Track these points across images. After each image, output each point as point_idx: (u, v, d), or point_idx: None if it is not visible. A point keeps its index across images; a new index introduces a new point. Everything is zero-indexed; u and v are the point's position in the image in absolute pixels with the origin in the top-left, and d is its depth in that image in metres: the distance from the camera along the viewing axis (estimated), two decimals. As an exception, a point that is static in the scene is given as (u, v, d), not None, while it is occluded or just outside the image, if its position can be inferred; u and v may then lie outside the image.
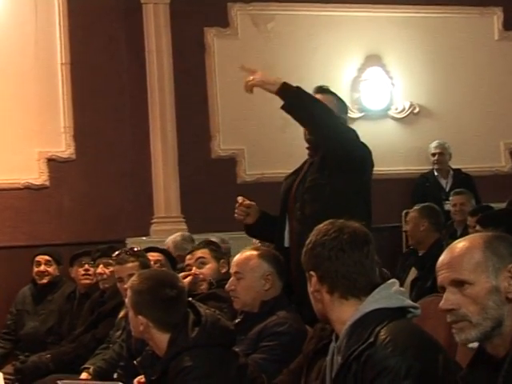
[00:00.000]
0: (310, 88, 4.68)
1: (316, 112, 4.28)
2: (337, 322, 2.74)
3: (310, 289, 2.79)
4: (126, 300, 3.73)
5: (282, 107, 4.40)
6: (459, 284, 2.35)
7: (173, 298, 3.53)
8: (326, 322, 2.84)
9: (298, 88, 4.32)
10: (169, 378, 3.37)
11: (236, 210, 4.66)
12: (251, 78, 4.37)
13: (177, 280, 3.71)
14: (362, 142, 4.44)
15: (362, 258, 2.75)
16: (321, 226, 2.83)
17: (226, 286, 4.13)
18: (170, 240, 6.98)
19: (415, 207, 6.65)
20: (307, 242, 2.82)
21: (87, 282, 6.63)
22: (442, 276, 2.40)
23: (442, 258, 2.42)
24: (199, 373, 3.30)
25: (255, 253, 4.11)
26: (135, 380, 4.02)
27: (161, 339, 3.47)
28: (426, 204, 6.68)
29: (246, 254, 4.12)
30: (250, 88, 4.42)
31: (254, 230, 4.71)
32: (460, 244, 2.41)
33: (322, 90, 4.65)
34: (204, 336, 3.40)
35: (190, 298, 3.75)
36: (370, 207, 4.45)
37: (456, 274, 2.36)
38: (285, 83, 4.32)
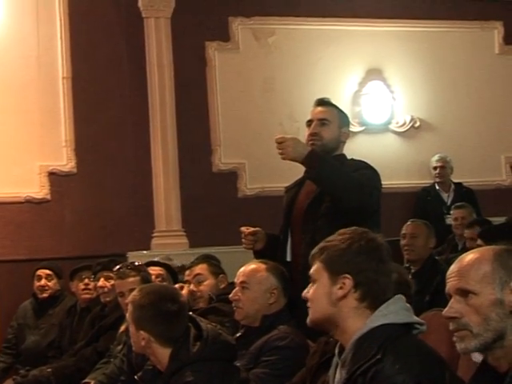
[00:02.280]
0: (311, 101, 4.70)
1: (338, 183, 4.24)
2: (346, 332, 2.70)
3: (339, 292, 2.71)
4: (127, 315, 3.71)
5: (307, 174, 4.39)
6: (464, 293, 2.36)
7: (174, 313, 3.52)
8: (322, 328, 2.81)
9: (323, 159, 4.29)
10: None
11: (243, 241, 4.58)
12: (281, 151, 4.33)
13: (178, 294, 3.70)
14: (378, 180, 4.42)
15: (391, 271, 2.76)
16: (352, 231, 2.80)
17: (230, 295, 4.08)
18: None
19: (418, 222, 6.45)
20: (343, 244, 2.76)
21: (88, 296, 6.61)
22: (449, 284, 2.42)
23: (452, 266, 2.44)
24: None
25: (263, 265, 4.08)
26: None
27: (162, 354, 3.46)
28: (425, 221, 6.51)
29: (254, 265, 4.09)
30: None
31: (264, 254, 4.55)
32: (471, 254, 2.43)
33: (324, 102, 4.64)
34: (205, 351, 3.39)
35: (191, 313, 3.75)
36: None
37: (462, 283, 2.37)
38: (310, 152, 4.27)
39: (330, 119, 4.53)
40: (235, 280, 4.14)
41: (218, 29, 8.74)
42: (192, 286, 5.08)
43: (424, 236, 6.22)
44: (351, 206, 4.20)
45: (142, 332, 3.51)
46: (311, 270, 2.81)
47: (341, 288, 2.72)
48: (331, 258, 2.76)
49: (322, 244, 2.82)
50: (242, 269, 4.13)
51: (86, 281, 6.63)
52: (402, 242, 6.26)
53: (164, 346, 3.47)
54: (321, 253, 2.79)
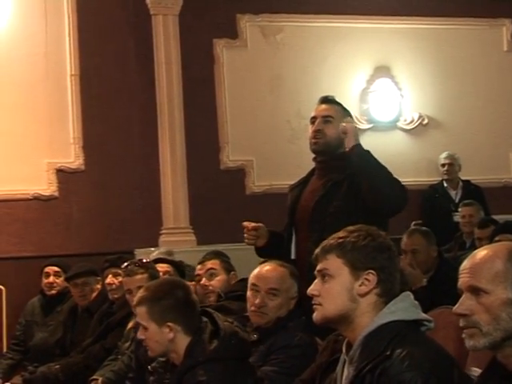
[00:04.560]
0: (317, 98, 4.70)
1: (380, 177, 4.26)
2: (358, 328, 2.69)
3: (363, 288, 2.71)
4: (142, 316, 3.56)
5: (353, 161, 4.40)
6: (475, 291, 2.34)
7: (189, 300, 3.51)
8: (331, 325, 2.80)
9: (369, 153, 4.36)
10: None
11: (245, 236, 4.55)
12: (344, 124, 4.39)
13: (183, 282, 3.72)
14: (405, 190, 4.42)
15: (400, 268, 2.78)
16: (365, 228, 2.80)
17: (257, 302, 3.94)
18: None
19: (415, 234, 5.98)
20: (363, 241, 2.75)
21: (85, 302, 6.53)
22: (461, 280, 2.40)
23: (465, 262, 2.42)
24: None
25: (286, 270, 4.00)
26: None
27: (185, 345, 3.42)
28: (423, 228, 6.16)
29: (279, 269, 3.99)
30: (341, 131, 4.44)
31: (266, 251, 4.55)
32: (484, 251, 2.41)
33: (327, 100, 4.63)
34: (221, 349, 3.35)
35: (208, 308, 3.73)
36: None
37: (473, 281, 2.35)
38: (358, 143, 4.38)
39: (334, 116, 4.52)
40: (254, 282, 3.99)
41: (226, 26, 8.74)
42: (204, 281, 5.05)
43: (424, 247, 5.84)
44: (389, 204, 4.23)
45: (168, 324, 3.43)
46: (323, 266, 2.77)
47: (363, 284, 2.71)
48: (353, 254, 2.73)
49: (333, 240, 2.78)
50: (264, 273, 3.99)
51: (79, 288, 6.55)
52: (403, 258, 5.72)
53: (188, 334, 3.43)
54: (339, 248, 2.75)
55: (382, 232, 2.83)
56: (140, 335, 3.57)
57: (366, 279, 2.71)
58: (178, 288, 3.54)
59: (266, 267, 4.02)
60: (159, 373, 3.59)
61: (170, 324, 3.44)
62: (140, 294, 3.61)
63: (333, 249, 2.77)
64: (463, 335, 2.37)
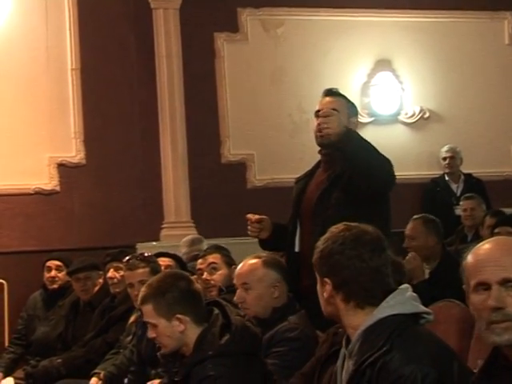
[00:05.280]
0: (320, 92, 4.68)
1: (372, 160, 4.21)
2: (349, 327, 2.72)
3: (324, 294, 2.76)
4: (149, 313, 3.50)
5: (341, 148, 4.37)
6: (507, 282, 2.31)
7: (192, 290, 3.49)
8: (334, 321, 2.82)
9: (360, 137, 4.32)
10: (191, 382, 3.30)
11: (249, 228, 4.55)
12: (326, 126, 4.33)
13: (184, 273, 3.72)
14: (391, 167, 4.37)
15: (379, 266, 2.72)
16: (335, 230, 2.79)
17: (235, 299, 4.03)
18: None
19: (416, 221, 6.10)
20: (322, 246, 2.78)
21: (87, 296, 6.53)
22: (488, 273, 2.34)
23: (486, 256, 2.37)
24: (222, 383, 3.23)
25: (259, 261, 4.02)
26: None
27: (196, 335, 3.39)
28: (429, 217, 6.19)
29: (250, 263, 4.02)
30: None
31: (270, 243, 4.59)
32: (499, 243, 2.39)
33: (332, 92, 4.60)
34: (232, 344, 3.32)
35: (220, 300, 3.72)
36: (389, 224, 4.36)
37: (508, 273, 2.31)
38: (347, 128, 4.32)
39: (339, 109, 4.49)
40: (234, 282, 4.09)
41: (227, 20, 8.73)
42: (205, 275, 5.05)
43: (423, 235, 5.95)
44: (379, 186, 4.22)
45: (177, 316, 3.40)
46: None
47: (325, 290, 2.75)
48: (316, 261, 2.80)
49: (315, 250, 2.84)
50: (238, 269, 4.08)
51: (82, 282, 6.53)
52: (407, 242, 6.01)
53: (197, 325, 3.40)
54: (315, 257, 2.81)
55: (358, 229, 2.79)
56: (150, 334, 3.52)
57: (326, 287, 2.75)
58: (181, 279, 3.51)
59: (242, 263, 4.08)
60: (168, 361, 3.55)
61: (179, 316, 3.40)
62: (143, 292, 3.56)
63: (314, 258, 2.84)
64: (496, 330, 2.30)
